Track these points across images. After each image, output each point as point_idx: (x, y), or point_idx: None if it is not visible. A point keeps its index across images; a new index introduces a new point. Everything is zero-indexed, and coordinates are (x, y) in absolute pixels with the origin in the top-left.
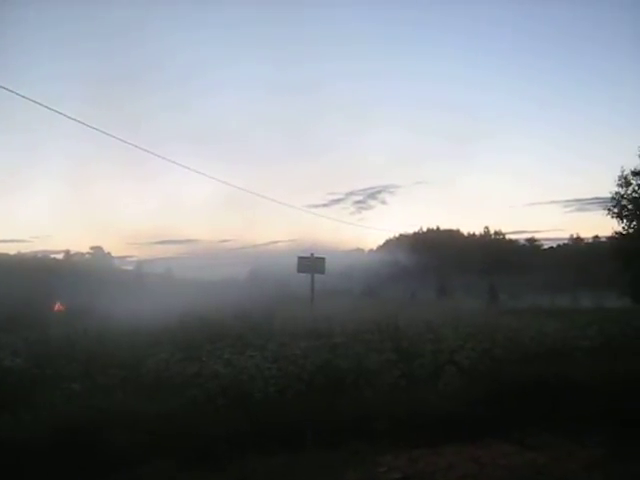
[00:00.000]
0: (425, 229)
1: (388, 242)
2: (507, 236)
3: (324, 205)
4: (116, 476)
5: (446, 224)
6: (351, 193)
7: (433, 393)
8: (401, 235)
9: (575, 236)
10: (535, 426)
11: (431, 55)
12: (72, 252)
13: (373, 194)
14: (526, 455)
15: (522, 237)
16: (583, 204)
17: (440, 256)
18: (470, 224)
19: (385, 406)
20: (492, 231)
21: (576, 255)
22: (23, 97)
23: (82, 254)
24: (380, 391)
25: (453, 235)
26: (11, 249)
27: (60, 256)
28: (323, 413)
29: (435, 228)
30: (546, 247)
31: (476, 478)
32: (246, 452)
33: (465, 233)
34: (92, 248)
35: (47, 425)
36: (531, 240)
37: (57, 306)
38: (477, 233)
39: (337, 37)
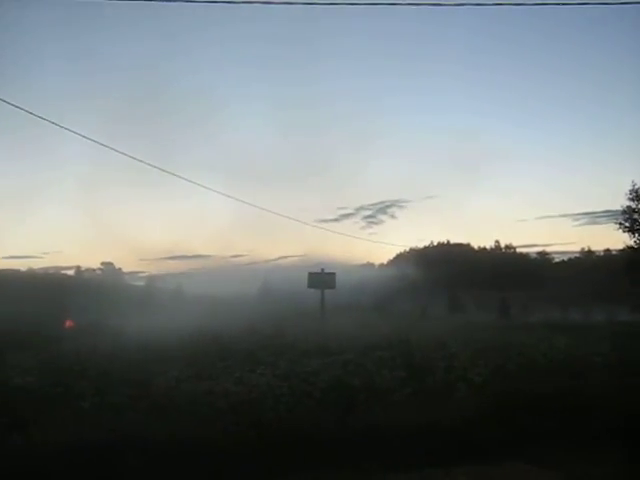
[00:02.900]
0: (435, 243)
1: (399, 256)
2: (518, 250)
3: (334, 220)
4: None
5: (456, 238)
6: (361, 208)
7: (445, 410)
8: (411, 249)
9: (586, 249)
10: (549, 443)
11: (442, 74)
12: (83, 268)
13: (383, 209)
14: (541, 474)
15: (533, 251)
16: (594, 217)
17: (451, 270)
18: (480, 238)
19: (396, 424)
20: (503, 245)
21: (587, 269)
22: (37, 116)
23: (93, 270)
24: (391, 408)
25: (463, 249)
26: (22, 265)
27: (71, 272)
28: (334, 431)
29: (445, 242)
30: (557, 261)
31: None
32: (257, 470)
33: (476, 247)
34: (103, 264)
35: (57, 445)
36: (542, 254)
37: (68, 322)
38: (488, 247)
39: (348, 56)
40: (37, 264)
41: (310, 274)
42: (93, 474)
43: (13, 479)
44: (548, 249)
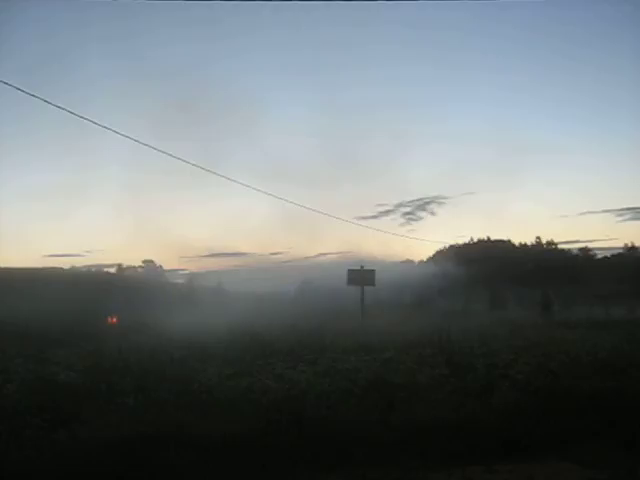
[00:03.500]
0: (475, 240)
1: (438, 253)
2: (559, 246)
3: (373, 217)
4: None
5: (497, 234)
6: (400, 204)
7: (486, 408)
8: (451, 246)
9: (630, 245)
10: (593, 443)
11: (482, 66)
12: (125, 266)
13: (422, 205)
14: (584, 473)
15: (575, 247)
16: (637, 212)
17: (491, 267)
18: (521, 234)
19: (437, 422)
20: (544, 241)
21: (631, 265)
22: (79, 116)
23: (134, 268)
24: (432, 406)
25: (504, 246)
26: (65, 263)
27: (113, 270)
28: (375, 428)
29: (485, 239)
30: (600, 257)
31: None
32: (298, 468)
33: (516, 243)
34: (144, 262)
35: (101, 441)
36: (584, 250)
37: (110, 320)
38: (528, 243)
39: (386, 50)
40: (80, 262)
41: (350, 271)
42: (137, 469)
43: (59, 475)
44: (590, 245)
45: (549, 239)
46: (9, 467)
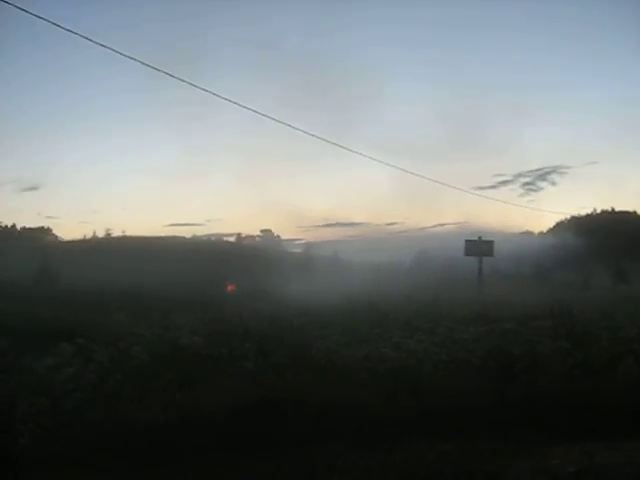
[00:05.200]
0: (599, 211)
1: (559, 225)
2: None
3: (491, 187)
4: (289, 455)
5: (621, 206)
6: (519, 174)
7: (610, 383)
8: (573, 217)
9: None
10: None
11: (601, 38)
12: (243, 235)
13: (543, 175)
14: None
15: None
16: None
17: (615, 239)
18: None
19: (558, 395)
20: None
21: None
22: (200, 88)
23: (253, 237)
24: (553, 379)
25: (629, 217)
26: (187, 232)
27: (232, 239)
28: (493, 399)
29: (610, 210)
30: None
31: None
32: (415, 436)
33: None
34: (262, 231)
35: (224, 402)
36: None
37: (230, 287)
38: None
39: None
40: (200, 231)
41: (467, 242)
42: (254, 429)
43: (183, 433)
44: None
45: None
46: (134, 427)
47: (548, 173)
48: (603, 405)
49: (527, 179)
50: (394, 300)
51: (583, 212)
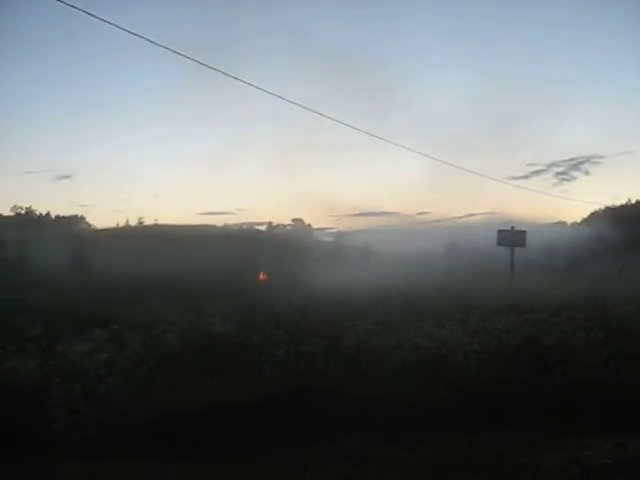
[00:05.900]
0: (634, 201)
1: (593, 215)
2: None
3: (524, 177)
4: (320, 442)
5: None
6: (552, 164)
7: None
8: (607, 208)
9: None
10: None
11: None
12: (274, 224)
13: (576, 165)
14: None
15: None
16: None
17: None
18: None
19: (592, 387)
20: None
21: None
22: (232, 77)
23: (284, 226)
24: (587, 371)
25: None
26: (218, 221)
27: (263, 227)
28: (526, 390)
29: None
30: None
31: None
32: (446, 426)
33: None
34: (293, 220)
35: (255, 390)
36: None
37: (261, 275)
38: None
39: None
40: (232, 220)
41: (500, 232)
42: (286, 417)
43: (214, 421)
44: None
45: None
46: (166, 415)
47: (581, 163)
48: (638, 397)
49: (560, 169)
50: (426, 289)
51: (617, 202)
